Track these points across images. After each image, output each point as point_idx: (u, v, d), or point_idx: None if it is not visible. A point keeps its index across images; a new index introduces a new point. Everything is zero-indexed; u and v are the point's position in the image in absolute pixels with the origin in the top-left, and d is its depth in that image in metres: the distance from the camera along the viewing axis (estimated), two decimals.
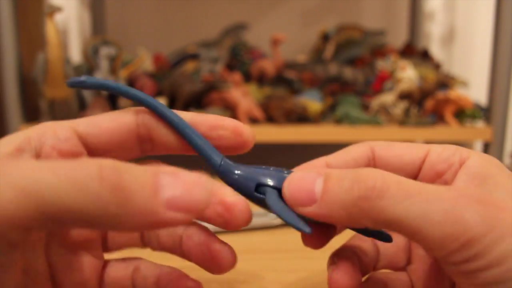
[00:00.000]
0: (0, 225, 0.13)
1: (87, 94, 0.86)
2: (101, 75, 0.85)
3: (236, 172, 0.20)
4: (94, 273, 0.21)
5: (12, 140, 0.19)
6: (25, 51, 0.85)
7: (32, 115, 0.86)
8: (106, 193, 0.13)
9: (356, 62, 1.05)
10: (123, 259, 0.22)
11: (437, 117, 0.89)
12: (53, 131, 0.19)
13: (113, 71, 0.87)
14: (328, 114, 0.91)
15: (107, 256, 0.22)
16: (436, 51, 1.24)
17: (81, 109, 0.85)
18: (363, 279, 0.22)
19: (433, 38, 1.28)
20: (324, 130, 0.85)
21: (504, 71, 0.86)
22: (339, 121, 0.88)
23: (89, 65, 0.87)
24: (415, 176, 0.21)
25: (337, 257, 0.21)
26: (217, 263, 0.20)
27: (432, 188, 0.17)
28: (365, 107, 0.92)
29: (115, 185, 0.13)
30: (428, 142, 0.22)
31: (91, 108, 0.83)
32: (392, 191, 0.16)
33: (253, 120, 0.86)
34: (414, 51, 1.06)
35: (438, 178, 0.21)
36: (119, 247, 0.22)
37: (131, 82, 0.91)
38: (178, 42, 1.14)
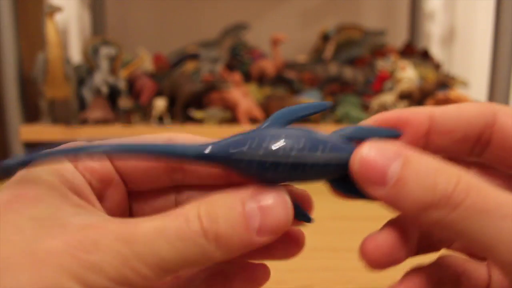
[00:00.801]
0: None
1: (87, 94, 0.86)
2: (101, 75, 0.85)
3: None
4: None
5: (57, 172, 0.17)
6: (25, 51, 0.85)
7: (32, 115, 0.86)
8: (212, 246, 0.15)
9: (356, 62, 1.05)
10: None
11: None
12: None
13: (113, 71, 0.87)
14: (328, 114, 0.91)
15: None
16: (436, 51, 1.24)
17: (81, 109, 0.85)
18: (434, 257, 0.19)
19: (433, 38, 1.28)
20: (324, 130, 0.85)
21: (504, 71, 0.86)
22: (339, 121, 0.88)
23: (89, 65, 0.87)
24: None
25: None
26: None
27: None
28: (365, 107, 0.92)
29: (217, 236, 0.15)
30: None
31: (91, 108, 0.83)
32: (468, 203, 0.14)
33: (253, 120, 0.86)
34: (414, 51, 1.06)
35: None
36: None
37: (131, 82, 0.91)
38: (178, 42, 1.14)
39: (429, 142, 0.18)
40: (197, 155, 0.17)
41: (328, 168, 0.17)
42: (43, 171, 0.17)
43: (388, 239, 0.17)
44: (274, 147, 0.17)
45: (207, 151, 0.17)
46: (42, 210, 0.15)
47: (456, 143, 0.18)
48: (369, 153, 0.16)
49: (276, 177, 0.17)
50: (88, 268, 0.14)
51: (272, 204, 0.16)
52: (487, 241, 0.14)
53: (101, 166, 0.19)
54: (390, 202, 0.16)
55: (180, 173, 0.20)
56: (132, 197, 0.21)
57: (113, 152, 0.17)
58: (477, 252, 0.16)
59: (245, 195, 0.16)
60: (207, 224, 0.15)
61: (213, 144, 0.17)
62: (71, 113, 0.81)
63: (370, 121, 0.19)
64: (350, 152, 0.17)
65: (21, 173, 0.17)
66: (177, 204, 0.20)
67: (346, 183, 0.18)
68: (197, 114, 0.85)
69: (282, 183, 0.18)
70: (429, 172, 0.15)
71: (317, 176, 0.18)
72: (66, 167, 0.18)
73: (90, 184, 0.18)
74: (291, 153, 0.17)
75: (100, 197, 0.19)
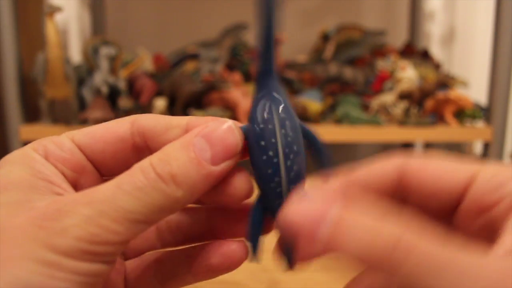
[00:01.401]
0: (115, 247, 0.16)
1: (87, 94, 0.86)
2: (101, 75, 0.85)
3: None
4: (121, 281, 0.21)
5: (25, 166, 0.18)
6: (25, 51, 0.85)
7: (32, 115, 0.86)
8: (171, 187, 0.16)
9: (356, 62, 1.05)
10: (140, 257, 0.22)
11: (437, 117, 0.89)
12: (54, 144, 0.19)
13: (113, 71, 0.87)
14: (328, 114, 0.91)
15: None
16: (436, 51, 1.24)
17: (81, 109, 0.85)
18: None
19: (433, 38, 1.28)
20: (324, 130, 0.85)
21: (504, 71, 0.86)
22: (339, 121, 0.88)
23: (89, 65, 0.87)
24: (454, 207, 0.17)
25: None
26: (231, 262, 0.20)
27: (468, 259, 0.13)
28: (365, 107, 0.92)
29: (172, 176, 0.16)
30: (428, 142, 0.20)
31: (91, 108, 0.83)
32: (413, 259, 0.13)
33: None
34: (414, 51, 1.06)
35: (486, 211, 0.16)
36: (137, 253, 0.22)
37: (131, 82, 0.91)
38: (178, 42, 1.14)
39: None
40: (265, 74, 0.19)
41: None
42: (15, 164, 0.18)
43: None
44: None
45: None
46: (9, 197, 0.16)
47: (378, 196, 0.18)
48: (295, 214, 0.15)
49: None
50: (56, 233, 0.15)
51: (217, 131, 0.17)
52: None
53: (71, 155, 0.19)
54: (326, 256, 0.15)
55: (147, 153, 0.20)
56: None
57: None
58: None
59: (191, 134, 0.17)
60: (160, 168, 0.16)
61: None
62: (71, 113, 0.81)
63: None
64: None
65: None
66: None
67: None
68: (197, 114, 0.85)
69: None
70: (363, 236, 0.14)
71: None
72: (36, 159, 0.18)
73: (64, 174, 0.19)
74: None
75: (76, 186, 0.19)
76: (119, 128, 0.20)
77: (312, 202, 0.15)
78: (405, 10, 1.26)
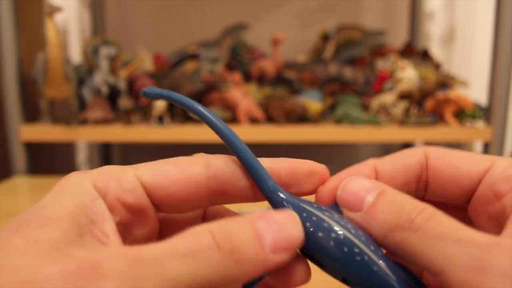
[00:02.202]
0: None
1: (87, 94, 0.86)
2: (101, 75, 0.85)
3: (285, 199, 0.19)
4: None
5: (84, 195, 0.17)
6: (25, 51, 0.85)
7: (32, 115, 0.86)
8: (227, 259, 0.15)
9: (356, 62, 1.05)
10: None
11: (437, 117, 0.89)
12: (118, 180, 0.18)
13: (113, 71, 0.87)
14: (328, 114, 0.91)
15: None
16: (436, 51, 1.24)
17: (81, 109, 0.85)
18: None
19: (433, 38, 1.28)
20: (324, 130, 0.85)
21: (504, 71, 0.86)
22: (339, 121, 0.88)
23: (89, 65, 0.87)
24: (471, 193, 0.20)
25: None
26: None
27: (471, 231, 0.16)
28: (365, 107, 0.92)
29: (231, 249, 0.15)
30: (428, 142, 0.22)
31: (91, 108, 0.83)
32: (427, 227, 0.16)
33: (253, 120, 0.86)
34: (414, 51, 1.06)
35: (497, 200, 0.18)
36: None
37: (131, 82, 0.91)
38: (178, 42, 1.14)
39: None
40: (270, 191, 0.19)
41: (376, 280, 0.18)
42: (65, 193, 0.17)
43: None
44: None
45: (282, 195, 0.19)
46: (48, 233, 0.15)
47: (400, 188, 0.20)
48: (352, 184, 0.19)
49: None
50: None
51: (281, 220, 0.17)
52: (439, 263, 0.16)
53: (134, 197, 0.18)
54: (363, 226, 0.18)
55: (220, 198, 0.19)
56: (163, 221, 0.20)
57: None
58: (431, 275, 0.16)
59: (254, 215, 0.16)
60: (220, 237, 0.15)
61: (287, 193, 0.19)
62: (71, 113, 0.81)
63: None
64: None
65: (51, 192, 0.17)
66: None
67: None
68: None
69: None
70: (399, 201, 0.18)
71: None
72: (90, 192, 0.17)
73: (120, 215, 0.18)
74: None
75: (129, 226, 0.18)
76: (195, 170, 0.19)
77: (366, 180, 0.19)
78: (405, 10, 1.26)
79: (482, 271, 0.15)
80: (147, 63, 1.00)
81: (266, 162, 0.20)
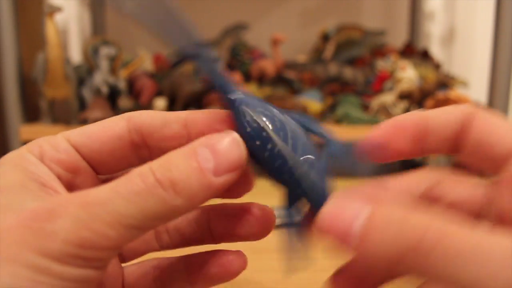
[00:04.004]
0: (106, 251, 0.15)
1: (87, 94, 0.86)
2: (101, 75, 0.85)
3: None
4: (119, 284, 0.21)
5: (21, 166, 0.18)
6: (25, 51, 0.85)
7: (32, 115, 0.86)
8: (170, 194, 0.15)
9: (356, 62, 1.05)
10: (139, 264, 0.22)
11: None
12: (49, 144, 0.19)
13: (113, 71, 0.87)
14: (328, 114, 0.91)
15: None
16: (436, 51, 1.24)
17: (81, 109, 0.85)
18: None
19: (433, 38, 1.28)
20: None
21: (504, 71, 0.86)
22: (339, 121, 0.88)
23: (89, 65, 0.87)
24: (500, 166, 0.17)
25: None
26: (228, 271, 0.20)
27: (493, 245, 0.14)
28: (365, 107, 0.92)
29: (172, 183, 0.16)
30: None
31: (91, 108, 0.83)
32: (442, 246, 0.14)
33: None
34: (414, 51, 1.06)
35: None
36: (135, 255, 0.22)
37: (131, 82, 0.91)
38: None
39: (423, 142, 0.19)
40: (230, 95, 0.18)
41: (297, 183, 0.18)
42: (8, 166, 0.17)
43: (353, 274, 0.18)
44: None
45: (234, 96, 0.18)
46: (1, 198, 0.16)
47: (441, 142, 0.19)
48: (331, 213, 0.16)
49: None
50: (45, 236, 0.14)
51: (221, 142, 0.17)
52: (468, 284, 0.13)
53: (67, 155, 0.19)
54: (360, 259, 0.16)
55: (145, 150, 0.20)
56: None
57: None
58: None
59: (195, 143, 0.17)
60: (160, 174, 0.16)
61: (241, 94, 0.19)
62: (71, 113, 0.81)
63: (375, 133, 0.20)
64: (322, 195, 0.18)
65: None
66: None
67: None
68: None
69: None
70: (396, 223, 0.15)
71: (285, 177, 0.18)
72: (30, 160, 0.18)
73: (59, 175, 0.18)
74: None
75: (71, 187, 0.19)
76: (115, 126, 0.19)
77: (349, 200, 0.16)
78: (405, 10, 1.26)
79: None
80: (147, 63, 1.00)
81: (185, 113, 0.20)
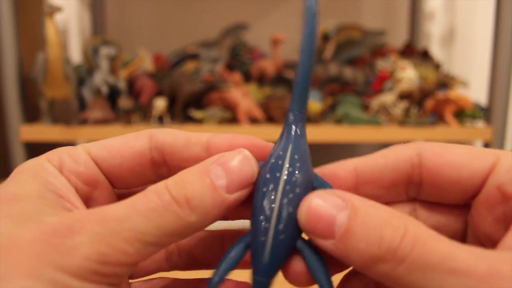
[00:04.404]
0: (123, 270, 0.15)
1: (87, 94, 0.86)
2: (101, 75, 0.85)
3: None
4: None
5: (40, 175, 0.18)
6: (25, 51, 0.85)
7: (32, 115, 0.86)
8: (185, 210, 0.16)
9: (356, 62, 1.05)
10: (146, 281, 0.22)
11: (437, 117, 0.89)
12: (69, 155, 0.19)
13: (113, 71, 0.87)
14: (328, 114, 0.91)
15: None
16: (436, 51, 1.24)
17: (81, 109, 0.85)
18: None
19: (433, 38, 1.28)
20: (324, 130, 0.85)
21: (504, 71, 0.86)
22: (339, 121, 0.88)
23: (89, 65, 0.87)
24: (475, 194, 0.17)
25: None
26: None
27: (464, 255, 0.14)
28: (365, 107, 0.92)
29: (187, 200, 0.16)
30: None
31: (91, 108, 0.83)
32: (413, 257, 0.14)
33: (253, 120, 0.86)
34: (414, 51, 1.06)
35: (505, 201, 0.16)
36: (144, 274, 0.22)
37: (131, 82, 0.91)
38: (178, 42, 1.14)
39: (359, 193, 0.17)
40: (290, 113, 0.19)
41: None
42: (27, 175, 0.17)
43: None
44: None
45: (287, 129, 0.19)
46: (18, 209, 0.16)
47: (387, 190, 0.19)
48: (316, 204, 0.16)
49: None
50: (64, 252, 0.14)
51: (233, 160, 0.17)
52: None
53: (86, 168, 0.19)
54: (338, 254, 0.15)
55: (165, 168, 0.20)
56: (121, 199, 0.21)
57: None
58: None
59: (207, 161, 0.17)
60: (176, 191, 0.16)
61: (297, 128, 0.19)
62: (71, 113, 0.81)
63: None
64: None
65: (7, 179, 0.17)
66: None
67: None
68: (197, 114, 0.85)
69: None
70: (376, 223, 0.15)
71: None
72: (49, 170, 0.18)
73: (76, 187, 0.18)
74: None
75: (88, 200, 0.19)
76: (137, 142, 0.19)
77: (333, 194, 0.16)
78: (405, 10, 1.26)
79: None
80: (147, 63, 1.00)
81: (206, 136, 0.20)
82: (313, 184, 0.18)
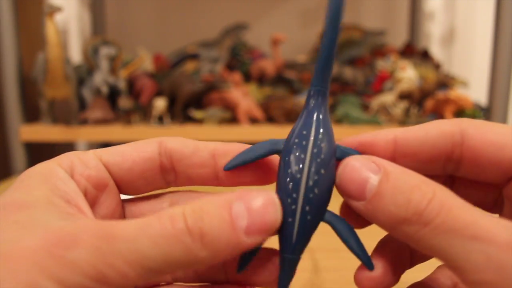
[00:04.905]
0: None
1: (87, 94, 0.86)
2: (101, 75, 0.85)
3: None
4: None
5: (52, 183, 0.17)
6: (25, 51, 0.85)
7: (32, 115, 0.86)
8: (197, 244, 0.15)
9: (356, 62, 1.05)
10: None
11: (437, 117, 0.89)
12: (80, 160, 0.19)
13: (113, 71, 0.87)
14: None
15: None
16: (436, 51, 1.24)
17: (81, 109, 0.85)
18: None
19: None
20: None
21: (504, 71, 0.86)
22: (339, 121, 0.88)
23: (89, 65, 0.87)
24: (507, 179, 0.17)
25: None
26: None
27: (488, 224, 0.14)
28: (365, 107, 0.92)
29: (201, 233, 0.15)
30: None
31: (91, 108, 0.83)
32: (438, 221, 0.15)
33: (253, 120, 0.86)
34: (414, 51, 1.06)
35: None
36: (146, 285, 0.21)
37: (131, 82, 0.91)
38: (178, 42, 1.14)
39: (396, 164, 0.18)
40: (311, 90, 0.19)
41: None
42: (35, 180, 0.17)
43: (379, 270, 0.18)
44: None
45: (308, 106, 0.19)
46: (25, 215, 0.15)
47: (424, 164, 0.19)
48: (352, 166, 0.17)
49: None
50: (64, 265, 0.14)
51: (259, 203, 0.16)
52: (455, 260, 0.14)
53: (97, 172, 0.19)
54: (368, 215, 0.16)
55: (172, 174, 0.20)
56: (126, 205, 0.21)
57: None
58: (449, 270, 0.15)
59: (231, 196, 0.16)
60: (192, 221, 0.15)
61: (316, 105, 0.19)
62: (71, 113, 0.81)
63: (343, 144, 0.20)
64: None
65: (15, 183, 0.17)
66: None
67: None
68: (197, 114, 0.85)
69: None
70: (406, 187, 0.16)
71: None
72: (59, 175, 0.18)
73: (86, 191, 0.18)
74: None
75: (94, 203, 0.19)
76: (148, 148, 0.20)
77: (367, 158, 0.17)
78: (405, 10, 1.26)
79: (501, 272, 0.14)
80: (147, 63, 1.00)
81: (214, 144, 0.20)
82: (336, 155, 0.18)
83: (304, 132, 0.18)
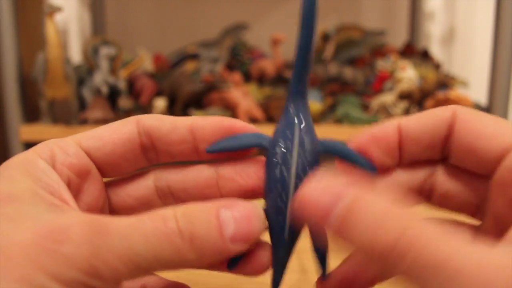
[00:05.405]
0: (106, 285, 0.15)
1: (87, 94, 0.86)
2: (101, 75, 0.85)
3: None
4: None
5: (32, 171, 0.17)
6: (25, 51, 0.85)
7: (32, 115, 0.86)
8: (186, 246, 0.16)
9: (356, 62, 1.05)
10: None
11: None
12: (60, 148, 0.19)
13: (113, 71, 0.87)
14: (328, 114, 0.91)
15: None
16: (436, 51, 1.24)
17: (81, 109, 0.85)
18: None
19: (433, 38, 1.28)
20: (324, 130, 0.85)
21: (504, 71, 0.86)
22: (339, 121, 0.88)
23: (89, 65, 0.87)
24: (492, 169, 0.17)
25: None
26: None
27: (469, 255, 0.13)
28: (365, 107, 0.92)
29: (191, 236, 0.16)
30: None
31: (91, 108, 0.83)
32: (413, 254, 0.13)
33: (253, 120, 0.86)
34: (414, 51, 1.06)
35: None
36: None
37: (131, 82, 0.91)
38: (178, 42, 1.14)
39: (403, 151, 0.19)
40: (291, 92, 0.19)
41: None
42: (17, 171, 0.17)
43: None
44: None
45: (291, 108, 0.19)
46: (13, 208, 0.15)
47: (425, 149, 0.19)
48: (313, 191, 0.15)
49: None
50: (58, 259, 0.14)
51: (246, 213, 0.17)
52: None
53: (77, 159, 0.19)
54: (337, 241, 0.15)
55: (153, 152, 0.20)
56: (110, 189, 0.21)
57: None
58: None
59: (220, 204, 0.17)
60: (183, 224, 0.16)
61: (298, 107, 0.19)
62: (71, 113, 0.81)
63: (351, 144, 0.20)
64: None
65: None
66: (157, 191, 0.21)
67: None
68: (197, 114, 0.85)
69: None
70: (374, 219, 0.14)
71: None
72: (40, 166, 0.18)
73: (69, 180, 0.18)
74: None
75: (78, 192, 0.19)
76: (125, 128, 0.20)
77: (332, 182, 0.15)
78: (405, 10, 1.26)
79: None
80: (147, 63, 1.00)
81: (191, 119, 0.20)
82: (318, 149, 0.19)
83: (288, 132, 0.18)
